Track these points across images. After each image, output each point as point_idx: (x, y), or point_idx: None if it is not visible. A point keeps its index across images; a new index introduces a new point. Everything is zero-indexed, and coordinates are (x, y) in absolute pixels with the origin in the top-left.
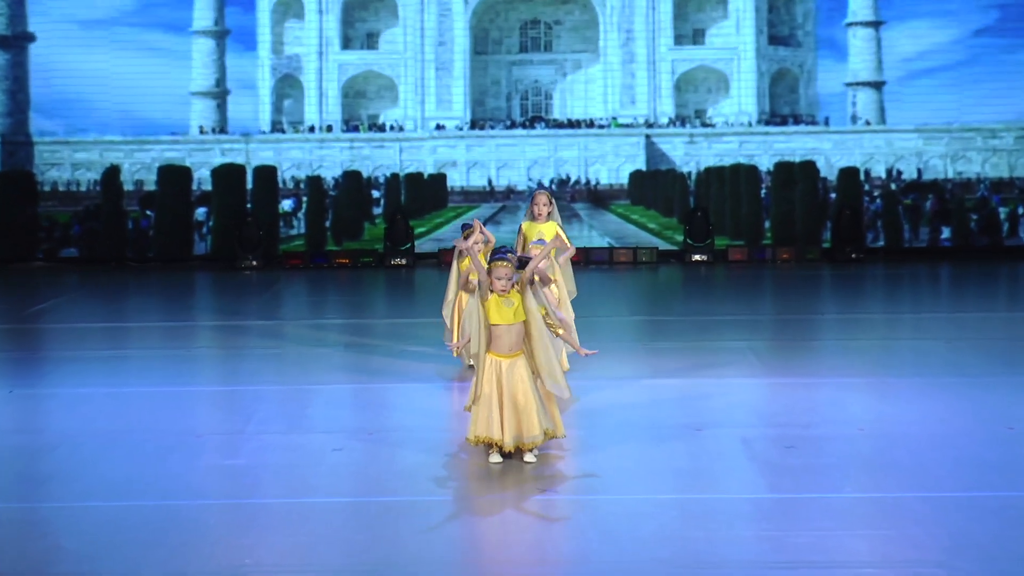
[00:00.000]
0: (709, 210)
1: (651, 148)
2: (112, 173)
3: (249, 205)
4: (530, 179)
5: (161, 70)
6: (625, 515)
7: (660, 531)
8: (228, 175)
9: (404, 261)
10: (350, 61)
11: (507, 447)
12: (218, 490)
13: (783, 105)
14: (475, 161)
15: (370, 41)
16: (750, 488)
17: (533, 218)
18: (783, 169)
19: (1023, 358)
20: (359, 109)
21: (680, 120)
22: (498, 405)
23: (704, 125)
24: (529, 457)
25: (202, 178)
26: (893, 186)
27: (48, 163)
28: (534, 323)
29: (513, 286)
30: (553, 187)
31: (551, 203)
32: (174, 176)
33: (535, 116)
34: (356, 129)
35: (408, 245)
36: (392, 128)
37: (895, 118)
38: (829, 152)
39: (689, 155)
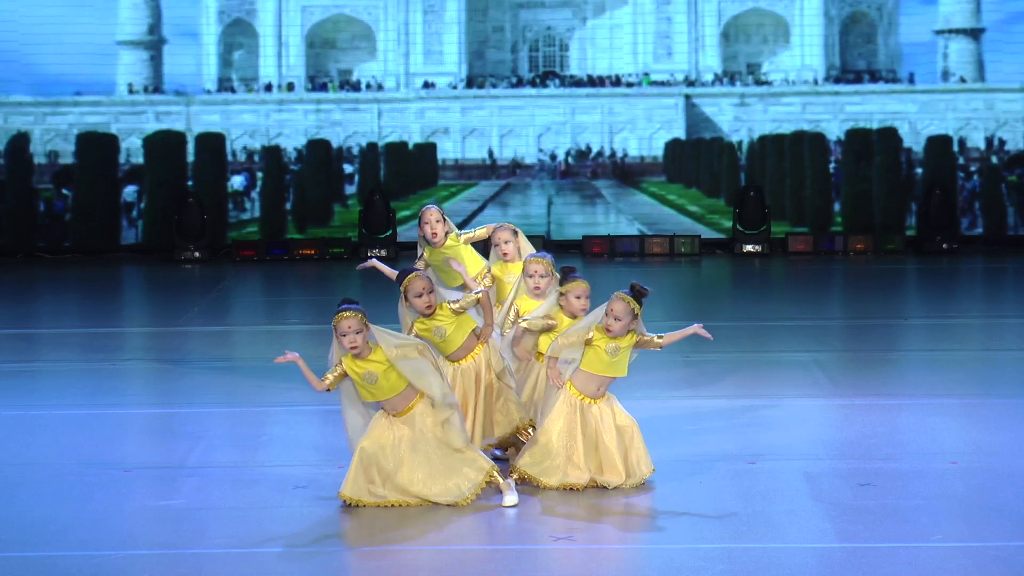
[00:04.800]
0: (764, 189)
1: (692, 112)
2: (19, 142)
3: (190, 182)
4: (541, 150)
5: (80, 14)
6: (660, 569)
7: None
8: (164, 145)
9: (383, 252)
10: (316, 2)
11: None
12: (152, 537)
13: (857, 58)
14: (472, 128)
15: None
16: (815, 536)
17: (502, 257)
18: (857, 138)
19: None
20: (328, 63)
21: (728, 77)
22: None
23: (758, 83)
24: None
25: (131, 148)
26: (994, 159)
27: None
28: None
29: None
30: (570, 159)
31: (517, 236)
32: (96, 146)
33: (547, 72)
34: (324, 88)
35: (388, 232)
36: (369, 87)
37: (997, 74)
38: (915, 116)
39: (739, 120)
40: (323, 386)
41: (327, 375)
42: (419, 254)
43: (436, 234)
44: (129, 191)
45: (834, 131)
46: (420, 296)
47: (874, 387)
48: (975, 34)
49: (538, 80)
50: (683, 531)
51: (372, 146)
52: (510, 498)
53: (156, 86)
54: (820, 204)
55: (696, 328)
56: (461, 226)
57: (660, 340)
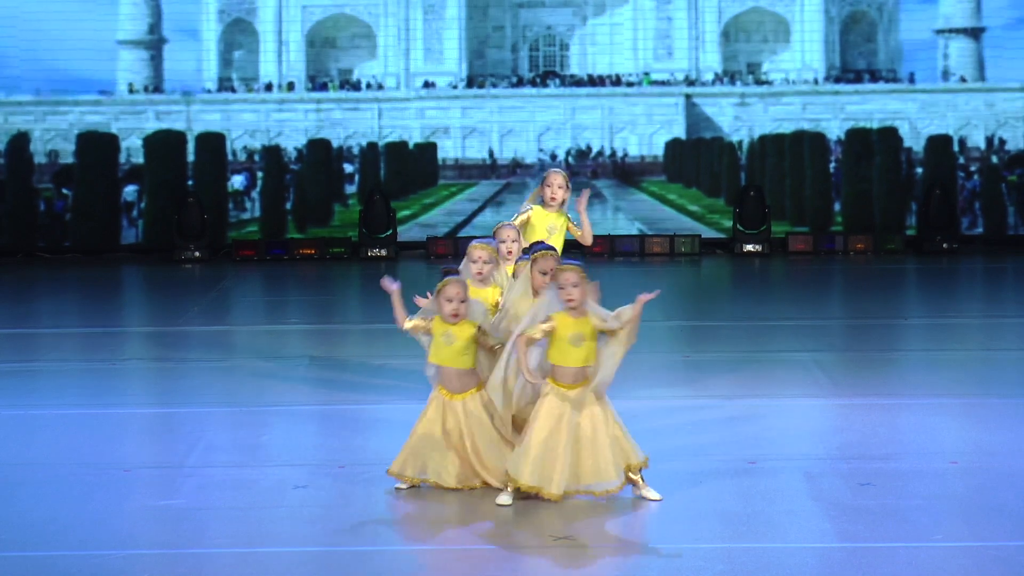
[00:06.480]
0: (764, 189)
1: (692, 111)
2: (19, 142)
3: (190, 182)
4: (541, 150)
5: (81, 13)
6: (660, 569)
7: None
8: (164, 144)
9: (384, 252)
10: (316, 2)
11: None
12: (152, 537)
13: (857, 58)
14: (473, 128)
15: None
16: (815, 535)
17: (545, 204)
18: (857, 137)
19: None
20: (328, 62)
21: (729, 76)
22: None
23: (758, 83)
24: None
25: (132, 148)
26: (995, 159)
27: None
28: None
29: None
30: (570, 159)
31: (568, 188)
32: (97, 146)
33: (548, 72)
34: (324, 88)
35: (389, 232)
36: (369, 86)
37: (997, 74)
38: (915, 116)
39: (740, 120)
40: (407, 326)
41: (415, 318)
42: (526, 216)
43: (555, 199)
44: (129, 191)
45: (834, 131)
46: (451, 301)
47: (874, 387)
48: (975, 34)
49: (538, 80)
50: (683, 531)
51: (372, 146)
52: (504, 498)
53: (156, 86)
54: (820, 204)
55: (643, 298)
56: (462, 225)
57: (616, 324)
